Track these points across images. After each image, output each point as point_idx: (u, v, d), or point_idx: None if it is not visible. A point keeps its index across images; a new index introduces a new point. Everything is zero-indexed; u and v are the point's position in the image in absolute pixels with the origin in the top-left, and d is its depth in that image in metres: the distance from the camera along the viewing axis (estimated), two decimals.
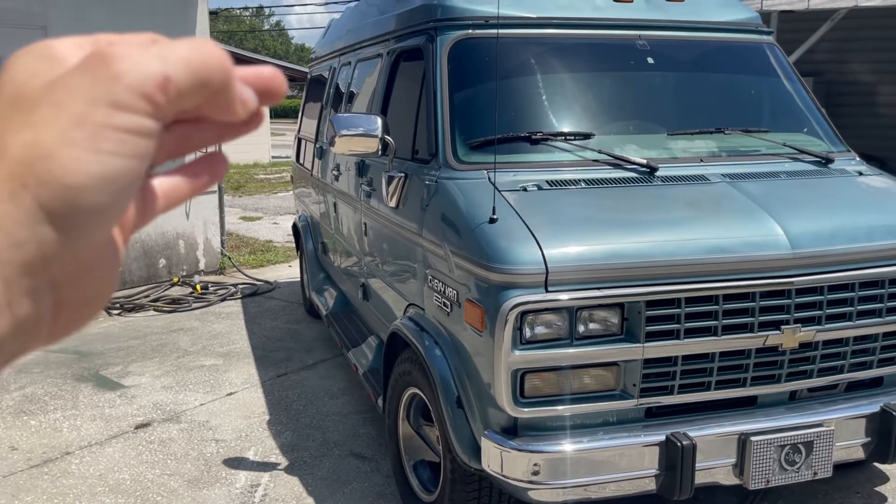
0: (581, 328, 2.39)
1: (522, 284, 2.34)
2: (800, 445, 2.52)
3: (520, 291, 2.33)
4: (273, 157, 21.15)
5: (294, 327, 5.88)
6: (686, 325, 2.43)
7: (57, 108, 0.33)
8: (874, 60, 8.46)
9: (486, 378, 2.45)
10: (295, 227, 6.45)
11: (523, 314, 2.32)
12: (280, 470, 3.54)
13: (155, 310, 6.38)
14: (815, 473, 2.56)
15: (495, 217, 2.48)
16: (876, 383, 2.78)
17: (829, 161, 3.08)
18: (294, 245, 7.54)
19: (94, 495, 3.32)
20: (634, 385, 2.44)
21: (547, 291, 2.34)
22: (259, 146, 20.30)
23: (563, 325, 2.37)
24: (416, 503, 3.06)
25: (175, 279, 7.15)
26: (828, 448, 2.55)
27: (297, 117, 6.74)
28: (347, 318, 4.88)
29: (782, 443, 2.49)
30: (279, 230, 10.40)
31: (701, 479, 2.46)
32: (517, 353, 2.33)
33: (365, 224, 3.87)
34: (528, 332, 2.35)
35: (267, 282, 7.28)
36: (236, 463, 3.62)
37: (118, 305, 6.37)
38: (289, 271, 7.89)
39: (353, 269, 4.40)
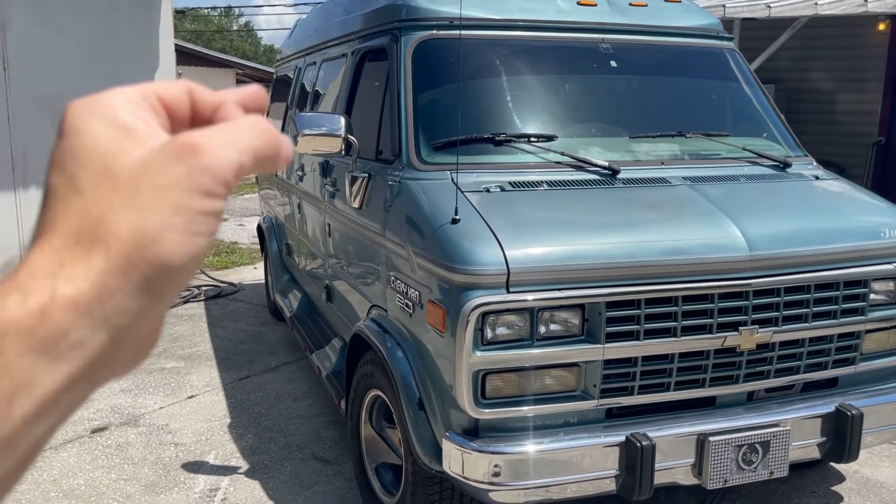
0: (542, 329, 2.39)
1: (484, 285, 2.33)
2: (757, 445, 2.55)
3: (481, 292, 2.32)
4: None
5: (258, 330, 5.81)
6: (646, 326, 2.44)
7: (158, 195, 0.38)
8: (833, 69, 8.64)
9: (448, 379, 2.44)
10: (259, 228, 6.38)
11: (485, 315, 2.32)
12: (240, 474, 3.49)
13: None
14: (772, 473, 2.59)
15: (458, 218, 2.47)
16: (831, 384, 2.83)
17: (787, 165, 3.13)
18: (259, 246, 7.46)
19: (47, 501, 3.24)
20: (595, 386, 2.45)
21: (508, 292, 2.33)
22: None
23: (525, 326, 2.37)
24: None
25: None
26: (784, 448, 2.58)
27: None
28: (312, 320, 4.83)
29: (739, 443, 2.52)
30: (245, 232, 10.28)
31: (660, 479, 2.47)
32: (478, 353, 2.32)
33: (329, 225, 3.83)
34: (489, 333, 2.34)
35: (231, 284, 7.19)
36: (195, 467, 3.55)
37: None
38: (254, 273, 7.80)
39: (317, 270, 4.36)
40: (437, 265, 2.45)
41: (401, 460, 2.97)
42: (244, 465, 3.57)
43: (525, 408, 2.41)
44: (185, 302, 6.55)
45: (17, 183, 6.21)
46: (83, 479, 3.43)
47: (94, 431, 3.95)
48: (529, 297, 2.34)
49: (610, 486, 2.47)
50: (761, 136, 3.37)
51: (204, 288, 6.98)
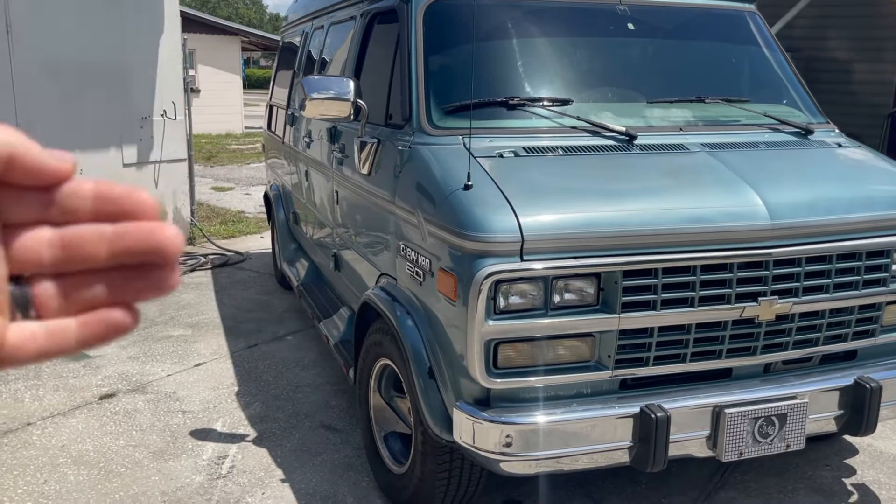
0: (556, 298, 2.33)
1: (497, 253, 2.27)
2: (773, 418, 2.50)
3: (494, 260, 2.27)
4: (246, 128, 20.79)
5: (265, 298, 5.78)
6: (663, 295, 2.38)
7: None
8: (850, 38, 8.45)
9: (459, 349, 2.39)
10: (266, 196, 6.32)
11: (497, 283, 2.26)
12: (248, 441, 3.48)
13: None
14: (788, 446, 2.54)
15: (470, 184, 2.40)
16: (850, 356, 2.77)
17: (808, 132, 3.04)
18: (266, 215, 7.41)
19: (55, 466, 3.23)
20: (609, 356, 2.40)
21: (522, 260, 2.27)
22: (232, 116, 19.93)
23: (538, 295, 2.32)
24: (386, 475, 3.01)
25: None
26: (801, 420, 2.53)
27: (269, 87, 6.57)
28: (319, 289, 4.79)
29: (756, 415, 2.47)
30: (251, 201, 10.22)
31: (674, 451, 2.43)
32: (491, 323, 2.27)
33: (337, 192, 3.77)
34: (502, 302, 2.29)
35: (238, 252, 7.15)
36: (203, 434, 3.54)
37: None
38: (260, 242, 7.76)
39: (325, 239, 4.31)
40: (449, 232, 2.39)
41: (410, 430, 2.94)
42: (252, 433, 3.56)
43: (537, 378, 2.36)
44: (192, 270, 6.52)
45: None
46: (91, 445, 3.42)
47: (102, 398, 3.93)
48: (543, 265, 2.28)
49: (623, 457, 2.43)
50: (782, 101, 3.27)
51: (210, 256, 6.95)
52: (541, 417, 2.33)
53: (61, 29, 6.31)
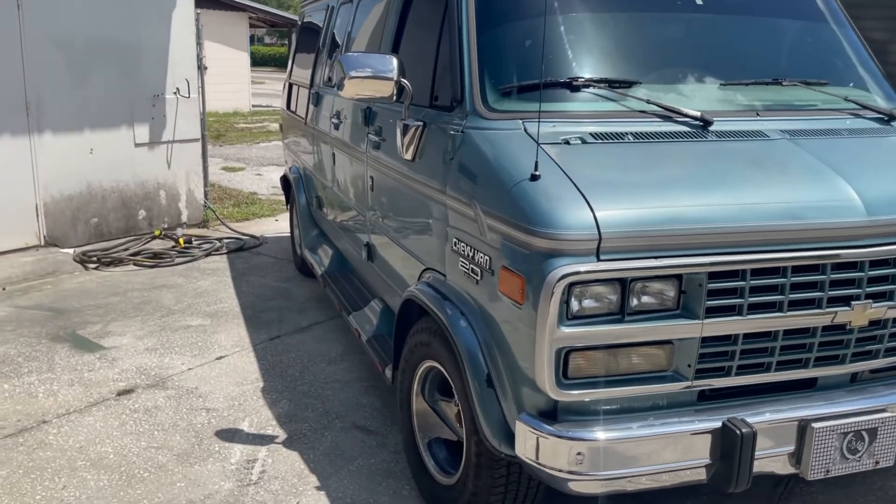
0: (634, 302, 2.10)
1: (570, 252, 2.04)
2: (863, 432, 2.28)
3: (568, 260, 2.03)
4: (253, 106, 20.48)
5: (284, 286, 5.56)
6: (750, 299, 2.15)
7: None
8: (888, 17, 8.14)
9: (523, 355, 2.17)
10: (285, 179, 6.08)
11: (571, 286, 2.03)
12: (278, 443, 3.27)
13: (135, 264, 6.02)
14: (877, 462, 2.33)
15: (537, 174, 2.17)
16: None
17: (893, 118, 2.79)
18: (282, 198, 7.17)
19: (73, 470, 3.03)
20: (689, 366, 2.17)
21: (598, 260, 2.04)
22: (239, 94, 19.61)
23: (615, 299, 2.09)
24: (431, 485, 2.80)
25: (156, 232, 6.76)
26: (892, 435, 2.31)
27: (276, 66, 6.31)
28: (345, 278, 4.58)
29: (845, 430, 2.25)
30: (263, 182, 9.98)
31: (755, 468, 2.21)
32: (564, 329, 2.04)
33: (371, 178, 3.53)
34: (575, 306, 2.06)
35: (253, 236, 6.93)
36: (230, 435, 3.33)
37: (95, 259, 6.00)
38: (275, 226, 7.54)
39: (354, 226, 4.08)
40: (514, 228, 2.16)
41: (457, 437, 2.73)
42: (281, 434, 3.35)
43: (611, 389, 2.14)
44: (207, 255, 6.31)
45: (31, 128, 5.91)
46: (111, 447, 3.22)
47: (119, 394, 3.73)
48: (623, 265, 2.05)
49: (700, 475, 2.22)
50: (858, 84, 3.02)
51: (225, 240, 6.73)
52: (615, 433, 2.11)
53: (72, 4, 6.04)
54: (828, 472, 2.28)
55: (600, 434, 2.10)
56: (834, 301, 2.23)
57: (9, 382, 3.83)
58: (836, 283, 2.23)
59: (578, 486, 2.16)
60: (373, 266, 3.71)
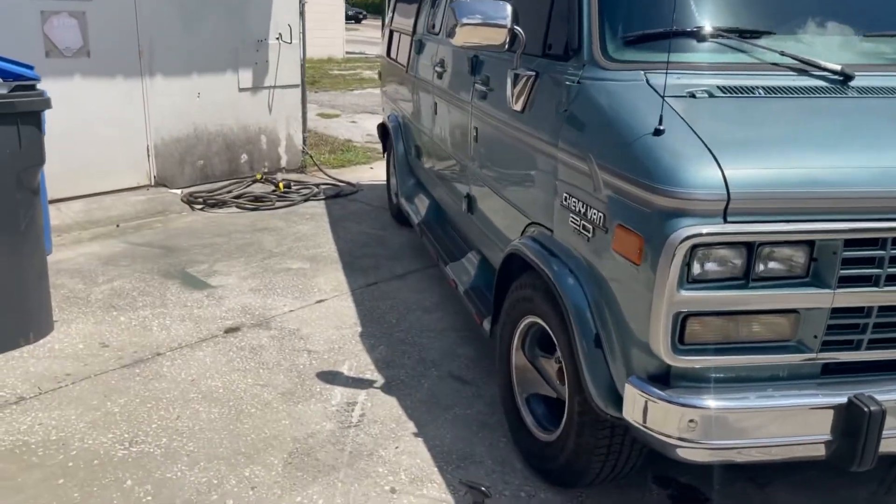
0: (760, 267, 1.99)
1: (695, 212, 1.94)
2: None
3: (692, 220, 1.94)
4: (347, 53, 20.59)
5: (380, 233, 5.62)
6: (889, 270, 2.00)
7: None
8: None
9: (636, 318, 2.10)
10: (383, 127, 6.09)
11: (694, 248, 1.94)
12: (377, 388, 3.34)
13: (237, 207, 6.21)
14: None
15: (662, 128, 2.06)
16: None
17: None
18: (379, 146, 7.21)
19: (186, 402, 3.19)
20: (815, 337, 2.05)
21: (726, 222, 1.94)
22: (333, 41, 19.75)
23: (739, 263, 1.99)
24: (528, 440, 2.80)
25: (258, 176, 6.95)
26: None
27: (371, 13, 6.24)
28: (442, 228, 4.58)
29: None
30: (357, 129, 10.07)
31: (882, 448, 2.09)
32: (683, 293, 1.96)
33: (476, 128, 3.47)
34: (696, 269, 1.97)
35: (350, 183, 7.02)
36: (330, 377, 3.43)
37: (201, 200, 6.23)
38: (370, 173, 7.61)
39: (454, 177, 4.04)
40: (634, 184, 2.07)
41: (557, 395, 2.71)
42: (379, 379, 3.42)
43: (729, 357, 2.05)
44: (306, 200, 6.44)
45: (143, 72, 6.12)
46: (220, 382, 3.37)
47: (227, 331, 3.88)
48: (751, 229, 1.93)
49: (817, 451, 2.11)
50: None
51: (322, 186, 6.84)
52: (731, 402, 2.03)
53: None
54: None
55: (714, 402, 2.02)
56: None
57: (125, 315, 4.05)
58: None
59: (687, 454, 2.10)
60: (472, 218, 3.69)
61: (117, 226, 5.61)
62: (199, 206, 6.16)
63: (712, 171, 1.95)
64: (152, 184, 6.36)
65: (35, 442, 2.88)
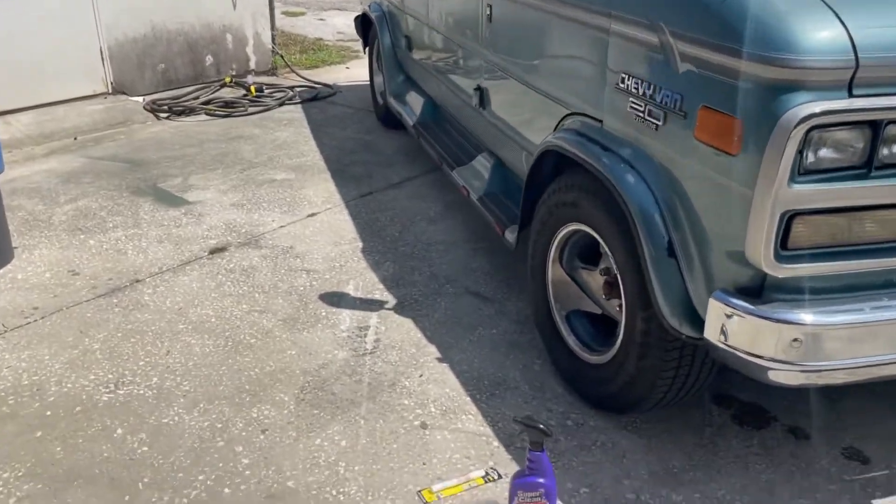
0: (884, 152, 1.63)
1: (814, 85, 1.55)
2: None
3: (809, 96, 1.55)
4: None
5: (367, 138, 5.15)
6: None
7: None
8: None
9: (726, 220, 1.74)
10: (363, 17, 5.48)
11: (810, 130, 1.56)
12: (388, 309, 2.98)
13: (207, 114, 5.65)
14: None
15: None
16: None
17: None
18: (354, 45, 6.61)
19: (175, 334, 2.81)
20: None
21: (851, 96, 1.55)
22: None
23: (860, 148, 1.62)
24: (571, 362, 2.48)
25: (226, 79, 6.33)
26: None
27: None
28: (441, 129, 4.13)
29: None
30: (327, 27, 9.33)
31: None
32: (795, 187, 1.59)
33: (489, 7, 2.98)
34: (810, 158, 1.60)
35: (327, 85, 6.45)
36: (335, 299, 3.06)
37: (166, 108, 5.65)
38: (347, 73, 7.03)
39: (459, 69, 3.57)
40: (729, 53, 1.65)
41: (602, 311, 2.37)
42: (390, 300, 3.06)
43: (841, 263, 1.71)
44: (281, 104, 5.89)
45: None
46: (212, 310, 2.98)
47: (212, 252, 3.47)
48: (882, 103, 1.55)
49: None
50: None
51: (297, 89, 6.27)
52: (846, 316, 1.70)
53: None
54: None
55: (829, 318, 1.69)
56: None
57: (94, 238, 3.60)
58: None
59: (781, 377, 1.79)
60: (484, 114, 3.24)
61: (75, 138, 5.05)
62: (165, 115, 5.59)
63: (835, 32, 1.55)
64: (110, 91, 5.74)
65: (4, 389, 2.50)
